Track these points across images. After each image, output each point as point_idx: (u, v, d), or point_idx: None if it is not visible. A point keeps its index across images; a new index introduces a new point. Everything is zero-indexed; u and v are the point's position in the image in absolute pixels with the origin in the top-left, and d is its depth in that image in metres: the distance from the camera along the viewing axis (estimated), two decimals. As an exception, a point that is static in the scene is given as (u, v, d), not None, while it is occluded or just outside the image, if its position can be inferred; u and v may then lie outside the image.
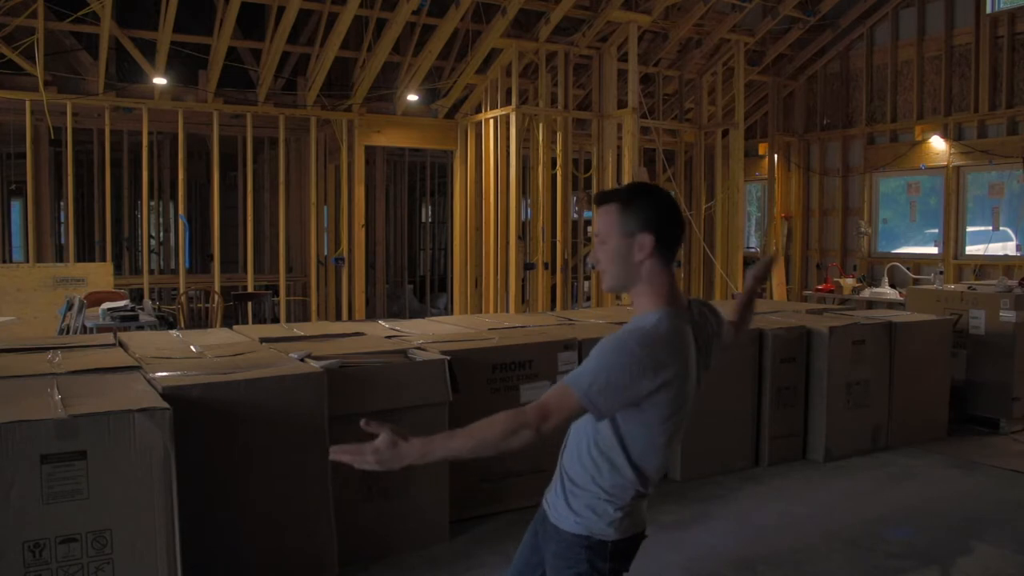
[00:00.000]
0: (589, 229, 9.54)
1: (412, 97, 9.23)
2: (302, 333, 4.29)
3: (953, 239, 9.62)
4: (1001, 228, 9.43)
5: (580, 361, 4.12)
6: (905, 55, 10.13)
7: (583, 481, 1.84)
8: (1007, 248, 9.32)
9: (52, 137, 8.42)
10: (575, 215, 11.44)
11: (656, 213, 1.84)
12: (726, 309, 2.21)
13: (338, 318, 9.57)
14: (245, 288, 8.98)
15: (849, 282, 9.23)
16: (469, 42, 8.80)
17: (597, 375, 1.71)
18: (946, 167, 9.63)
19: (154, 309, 6.94)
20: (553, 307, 8.95)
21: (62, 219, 10.74)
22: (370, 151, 10.27)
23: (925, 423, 5.46)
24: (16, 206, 12.83)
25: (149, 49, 8.02)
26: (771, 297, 10.81)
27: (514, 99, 8.51)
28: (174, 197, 10.99)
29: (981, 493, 4.55)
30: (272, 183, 10.51)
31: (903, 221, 10.76)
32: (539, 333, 4.42)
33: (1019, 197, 9.26)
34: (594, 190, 9.09)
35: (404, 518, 3.54)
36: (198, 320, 9.49)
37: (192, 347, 3.75)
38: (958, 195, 9.62)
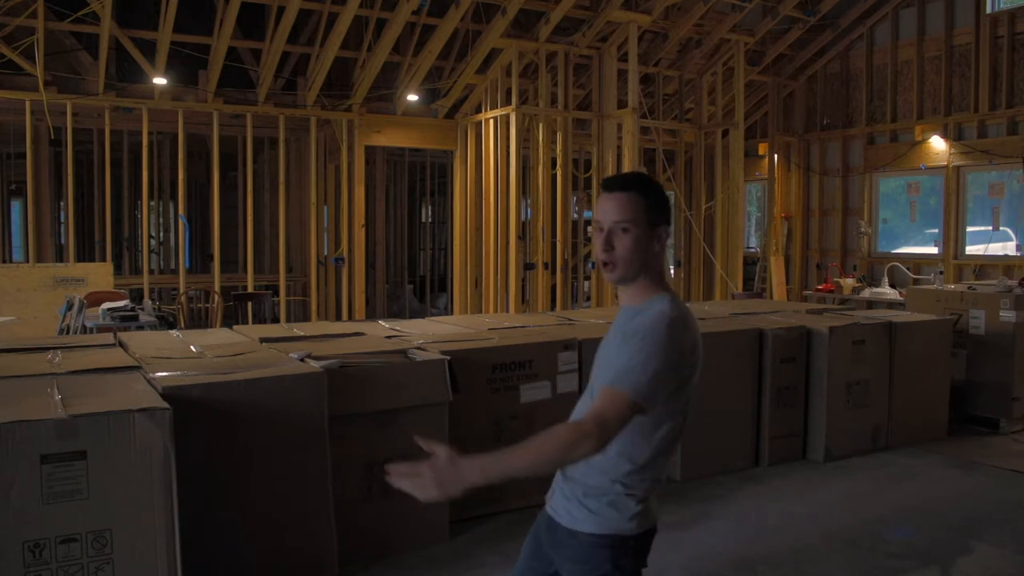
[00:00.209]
0: (589, 229, 9.53)
1: (412, 97, 9.23)
2: (302, 333, 4.29)
3: (953, 239, 9.62)
4: (1001, 228, 9.44)
5: (580, 361, 4.13)
6: (905, 55, 10.13)
7: (597, 481, 1.81)
8: (1007, 248, 9.32)
9: (52, 137, 8.42)
10: (575, 215, 11.44)
11: (665, 204, 1.86)
12: None
13: (338, 318, 9.57)
14: (245, 288, 8.98)
15: (849, 282, 9.23)
16: (469, 42, 8.80)
17: (643, 371, 1.68)
18: (946, 167, 9.64)
19: (154, 309, 6.94)
20: (553, 307, 8.95)
21: (62, 219, 10.74)
22: (370, 151, 10.27)
23: (925, 423, 5.46)
24: (16, 206, 12.83)
25: (149, 49, 8.02)
26: (771, 297, 10.81)
27: (514, 99, 8.51)
28: (174, 197, 10.99)
29: (981, 493, 4.54)
30: (272, 183, 10.51)
31: (903, 221, 10.76)
32: (539, 333, 4.42)
33: (1019, 197, 9.26)
34: (594, 190, 9.09)
35: (404, 518, 3.54)
36: (198, 320, 9.49)
37: (192, 347, 3.74)
38: (958, 195, 9.63)
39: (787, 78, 11.31)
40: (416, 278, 14.07)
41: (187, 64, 8.62)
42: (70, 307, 6.35)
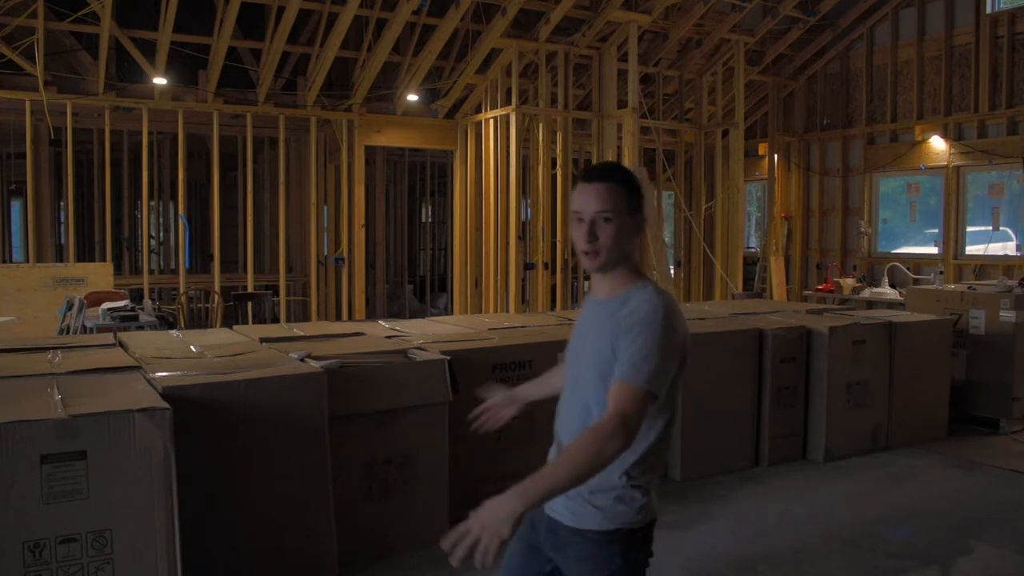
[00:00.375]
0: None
1: (412, 97, 9.23)
2: (302, 333, 4.29)
3: (953, 239, 9.62)
4: (1001, 228, 9.44)
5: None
6: (905, 55, 10.13)
7: (604, 476, 1.79)
8: (1007, 248, 9.32)
9: (52, 137, 8.42)
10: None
11: (640, 195, 1.88)
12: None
13: (338, 318, 9.57)
14: (245, 288, 8.98)
15: (849, 282, 9.23)
16: (469, 42, 8.80)
17: (651, 361, 1.71)
18: (946, 167, 9.64)
19: (154, 309, 6.94)
20: (553, 307, 8.95)
21: (62, 219, 10.74)
22: (370, 151, 10.27)
23: (925, 423, 5.46)
24: (16, 206, 12.83)
25: (149, 49, 8.02)
26: (771, 297, 10.82)
27: (514, 99, 8.51)
28: (174, 197, 10.99)
29: (981, 493, 4.54)
30: (272, 183, 10.51)
31: (903, 221, 10.76)
32: (539, 333, 4.42)
33: (1019, 197, 9.26)
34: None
35: (404, 518, 3.54)
36: (198, 320, 9.49)
37: (192, 347, 3.74)
38: (958, 195, 9.63)
39: (787, 78, 11.31)
40: (416, 278, 14.07)
41: (187, 64, 8.62)
42: (70, 307, 6.35)
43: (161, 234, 12.46)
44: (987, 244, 9.47)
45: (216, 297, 8.54)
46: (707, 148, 10.47)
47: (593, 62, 9.18)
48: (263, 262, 11.02)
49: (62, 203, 10.24)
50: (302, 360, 3.45)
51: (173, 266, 11.19)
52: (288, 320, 9.36)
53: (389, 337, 4.24)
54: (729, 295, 9.61)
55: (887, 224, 10.84)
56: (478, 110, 9.35)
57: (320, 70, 8.62)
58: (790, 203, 11.54)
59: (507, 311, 8.55)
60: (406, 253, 13.29)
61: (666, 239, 10.66)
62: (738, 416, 4.84)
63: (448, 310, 11.74)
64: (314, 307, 9.62)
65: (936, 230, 10.02)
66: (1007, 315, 5.66)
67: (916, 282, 9.29)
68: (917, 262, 9.96)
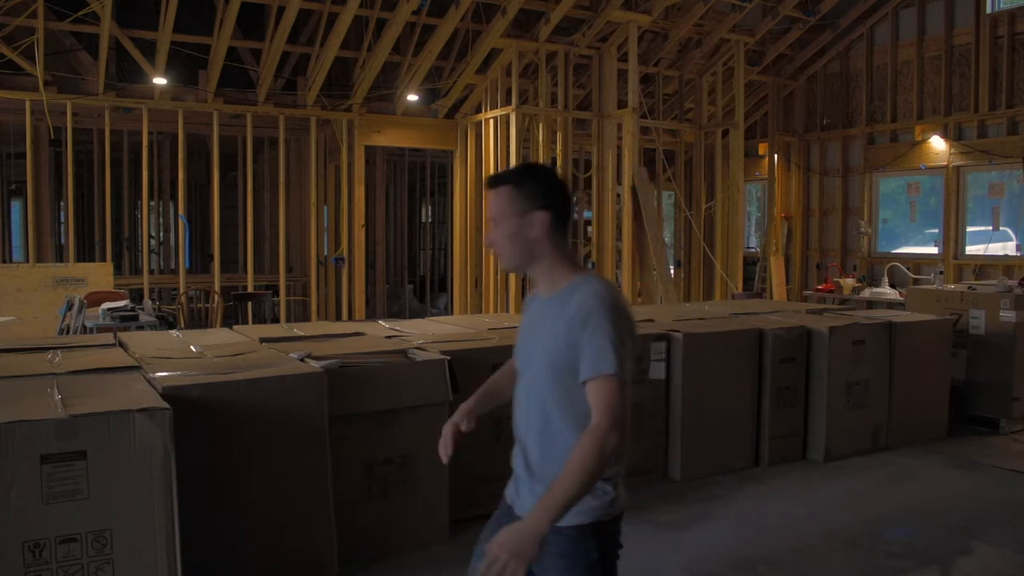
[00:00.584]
0: (589, 229, 9.54)
1: (412, 97, 9.23)
2: (302, 333, 4.29)
3: (953, 239, 9.62)
4: (1001, 228, 9.44)
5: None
6: (905, 55, 10.13)
7: None
8: (1007, 248, 9.32)
9: (52, 137, 8.42)
10: (575, 215, 11.44)
11: (547, 190, 1.89)
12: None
13: (338, 318, 9.57)
14: (245, 288, 8.98)
15: (849, 282, 9.23)
16: (469, 42, 8.80)
17: (615, 348, 1.75)
18: (946, 167, 9.64)
19: (154, 309, 6.94)
20: (553, 307, 8.93)
21: (62, 219, 10.73)
22: (370, 151, 10.27)
23: (925, 423, 5.46)
24: (16, 206, 12.83)
25: (149, 49, 8.02)
26: (771, 297, 10.82)
27: (514, 99, 8.51)
28: (174, 197, 10.99)
29: (981, 493, 4.54)
30: (272, 183, 10.51)
31: (903, 221, 10.76)
32: (539, 333, 4.41)
33: (1019, 197, 9.26)
34: (594, 190, 9.10)
35: (404, 518, 3.54)
36: (198, 320, 9.49)
37: (192, 347, 3.74)
38: (958, 195, 9.63)
39: (787, 78, 11.31)
40: (416, 278, 14.07)
41: (187, 64, 8.62)
42: (70, 307, 6.36)
43: (161, 234, 12.46)
44: (987, 244, 9.47)
45: (216, 297, 8.54)
46: (707, 148, 10.47)
47: (593, 62, 9.18)
48: (263, 262, 11.02)
49: (62, 203, 10.24)
50: (302, 360, 3.45)
51: (173, 266, 11.19)
52: (288, 320, 9.36)
53: (389, 337, 4.24)
54: (729, 295, 9.61)
55: (887, 224, 10.84)
56: (478, 110, 9.35)
57: (320, 70, 8.62)
58: (790, 203, 11.54)
59: (507, 311, 8.55)
60: (406, 253, 13.29)
61: (666, 239, 10.66)
62: (738, 416, 4.84)
63: (448, 310, 11.74)
64: (314, 307, 9.62)
65: (936, 230, 10.02)
66: (1007, 315, 5.66)
67: (916, 282, 9.29)
68: (917, 262, 9.96)
